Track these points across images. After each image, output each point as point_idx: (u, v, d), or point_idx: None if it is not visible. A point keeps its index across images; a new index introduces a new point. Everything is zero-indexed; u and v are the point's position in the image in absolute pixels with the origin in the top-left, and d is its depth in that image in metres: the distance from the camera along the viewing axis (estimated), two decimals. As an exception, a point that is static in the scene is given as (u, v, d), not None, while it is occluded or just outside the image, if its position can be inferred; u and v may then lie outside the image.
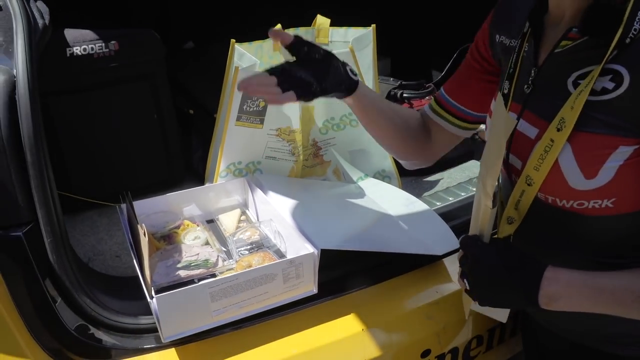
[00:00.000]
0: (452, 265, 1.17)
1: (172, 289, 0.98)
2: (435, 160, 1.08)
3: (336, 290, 1.07)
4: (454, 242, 1.15)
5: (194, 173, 1.61)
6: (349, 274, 1.11)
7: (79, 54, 1.34)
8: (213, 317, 0.93)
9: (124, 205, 1.16)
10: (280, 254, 1.13)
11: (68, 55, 1.33)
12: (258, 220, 1.27)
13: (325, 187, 1.40)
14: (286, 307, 1.00)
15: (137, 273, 0.97)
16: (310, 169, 1.43)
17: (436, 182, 1.58)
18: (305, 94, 0.85)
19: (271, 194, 1.24)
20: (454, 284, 1.13)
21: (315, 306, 1.03)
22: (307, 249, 0.99)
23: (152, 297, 0.87)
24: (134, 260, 0.97)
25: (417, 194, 1.50)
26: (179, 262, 1.07)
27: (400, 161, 1.09)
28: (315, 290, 1.01)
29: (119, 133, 1.48)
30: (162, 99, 1.51)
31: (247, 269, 0.94)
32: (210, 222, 1.27)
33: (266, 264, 0.98)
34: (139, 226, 0.99)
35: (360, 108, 0.95)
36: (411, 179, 1.62)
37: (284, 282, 0.97)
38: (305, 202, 1.24)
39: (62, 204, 1.42)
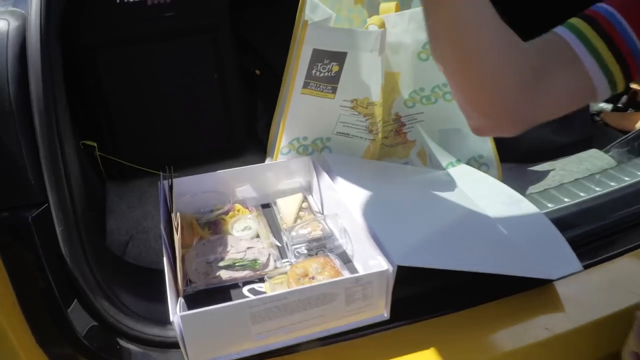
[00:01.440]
0: (566, 291, 0.91)
1: (210, 294, 0.81)
2: (525, 128, 0.64)
3: (411, 313, 0.84)
4: (573, 263, 0.88)
5: (259, 142, 1.41)
6: (428, 293, 0.87)
7: (130, 0, 1.15)
8: (254, 342, 0.73)
9: (165, 182, 0.98)
10: (345, 258, 0.91)
11: (118, 1, 1.15)
12: (322, 208, 1.05)
13: (407, 173, 1.16)
14: (347, 334, 0.78)
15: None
16: (390, 148, 1.19)
17: (544, 173, 1.28)
18: None
19: (340, 179, 1.01)
20: (570, 320, 0.86)
21: (385, 333, 0.81)
22: (380, 264, 0.76)
23: (174, 314, 0.68)
24: (164, 258, 0.79)
25: (519, 187, 1.21)
26: (222, 259, 0.88)
27: (471, 119, 0.66)
28: (386, 316, 0.79)
29: (174, 93, 1.30)
30: (224, 56, 1.31)
31: (300, 287, 0.72)
32: (266, 207, 1.07)
33: (324, 280, 0.77)
34: (172, 216, 0.80)
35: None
36: (511, 165, 1.33)
37: (347, 304, 0.75)
38: (381, 192, 1.00)
39: (109, 170, 1.30)
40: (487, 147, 1.17)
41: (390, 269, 0.75)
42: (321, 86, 0.99)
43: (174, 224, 0.77)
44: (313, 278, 0.82)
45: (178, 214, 0.80)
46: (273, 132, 1.17)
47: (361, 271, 0.88)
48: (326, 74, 0.98)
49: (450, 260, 0.82)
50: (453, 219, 0.98)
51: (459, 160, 1.19)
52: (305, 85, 0.99)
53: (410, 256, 0.78)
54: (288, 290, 0.72)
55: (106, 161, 1.27)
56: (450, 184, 1.12)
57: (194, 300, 0.81)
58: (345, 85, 1.00)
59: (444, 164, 1.18)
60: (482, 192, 1.08)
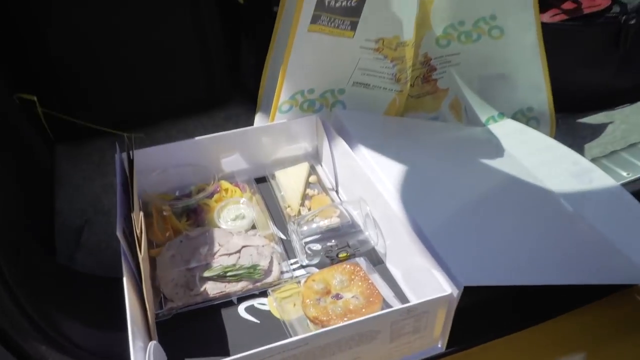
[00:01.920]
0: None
1: (194, 317, 0.58)
2: None
3: (468, 335, 0.62)
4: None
5: (245, 91, 1.14)
6: (487, 305, 0.65)
7: None
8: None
9: (123, 156, 0.72)
10: (374, 258, 0.68)
11: None
12: (336, 183, 0.81)
13: (440, 132, 0.91)
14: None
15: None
16: (415, 99, 0.93)
17: (601, 127, 1.05)
18: None
19: (358, 144, 0.77)
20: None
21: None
22: (441, 285, 0.53)
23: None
24: (124, 278, 0.54)
25: (572, 144, 0.97)
26: (207, 265, 0.64)
27: None
28: (441, 347, 0.57)
29: (136, 30, 1.01)
30: (198, -20, 1.01)
31: (325, 329, 0.49)
32: (261, 182, 0.83)
33: (359, 314, 0.54)
34: (133, 216, 0.55)
35: None
36: (557, 116, 1.09)
37: (392, 340, 0.53)
38: (413, 161, 0.77)
39: (58, 130, 1.03)
40: (541, 97, 0.93)
41: (456, 292, 0.52)
42: (336, 21, 0.72)
43: (136, 231, 0.52)
44: (338, 296, 0.59)
45: (142, 215, 0.54)
46: (265, 82, 0.90)
47: (399, 277, 0.65)
48: (344, 3, 0.70)
49: (526, 273, 0.59)
50: (512, 202, 0.75)
51: (501, 115, 0.95)
52: (315, 19, 0.72)
53: (478, 272, 0.56)
54: (310, 334, 0.48)
55: (53, 119, 1.00)
56: (495, 146, 0.89)
57: (171, 330, 0.58)
58: (370, 20, 0.73)
59: (483, 119, 0.94)
60: (538, 158, 0.85)
